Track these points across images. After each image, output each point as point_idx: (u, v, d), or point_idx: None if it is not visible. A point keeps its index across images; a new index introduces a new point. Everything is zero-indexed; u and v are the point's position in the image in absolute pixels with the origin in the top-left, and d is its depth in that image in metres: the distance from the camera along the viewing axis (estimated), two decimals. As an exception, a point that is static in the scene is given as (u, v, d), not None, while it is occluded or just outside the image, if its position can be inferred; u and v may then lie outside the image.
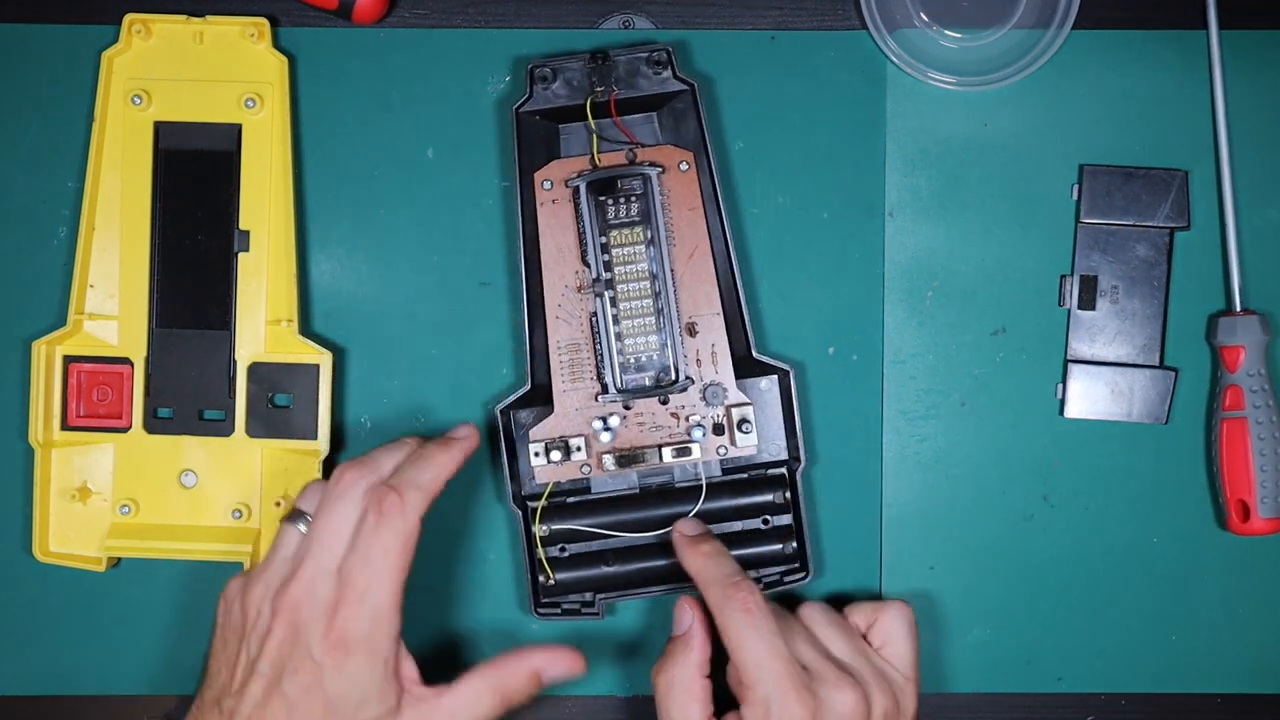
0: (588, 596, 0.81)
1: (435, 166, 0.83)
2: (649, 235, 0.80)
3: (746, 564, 0.80)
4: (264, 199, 0.81)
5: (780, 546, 0.80)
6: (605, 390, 0.80)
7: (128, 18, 0.80)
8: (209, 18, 0.81)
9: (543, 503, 0.80)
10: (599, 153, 0.81)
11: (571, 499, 0.81)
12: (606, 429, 0.80)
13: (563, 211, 0.80)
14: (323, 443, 0.81)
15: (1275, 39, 0.83)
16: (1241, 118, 0.82)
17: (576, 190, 0.80)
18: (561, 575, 0.80)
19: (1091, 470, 0.83)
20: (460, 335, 0.83)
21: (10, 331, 0.83)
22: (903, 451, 0.83)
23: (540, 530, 0.80)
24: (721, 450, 0.81)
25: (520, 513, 0.80)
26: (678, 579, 0.80)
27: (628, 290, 0.80)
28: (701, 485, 0.81)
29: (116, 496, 0.81)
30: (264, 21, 0.80)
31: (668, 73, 0.79)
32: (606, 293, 0.80)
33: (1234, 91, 0.82)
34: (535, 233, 0.80)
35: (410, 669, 0.72)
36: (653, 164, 0.80)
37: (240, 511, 0.81)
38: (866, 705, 0.72)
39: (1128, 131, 0.83)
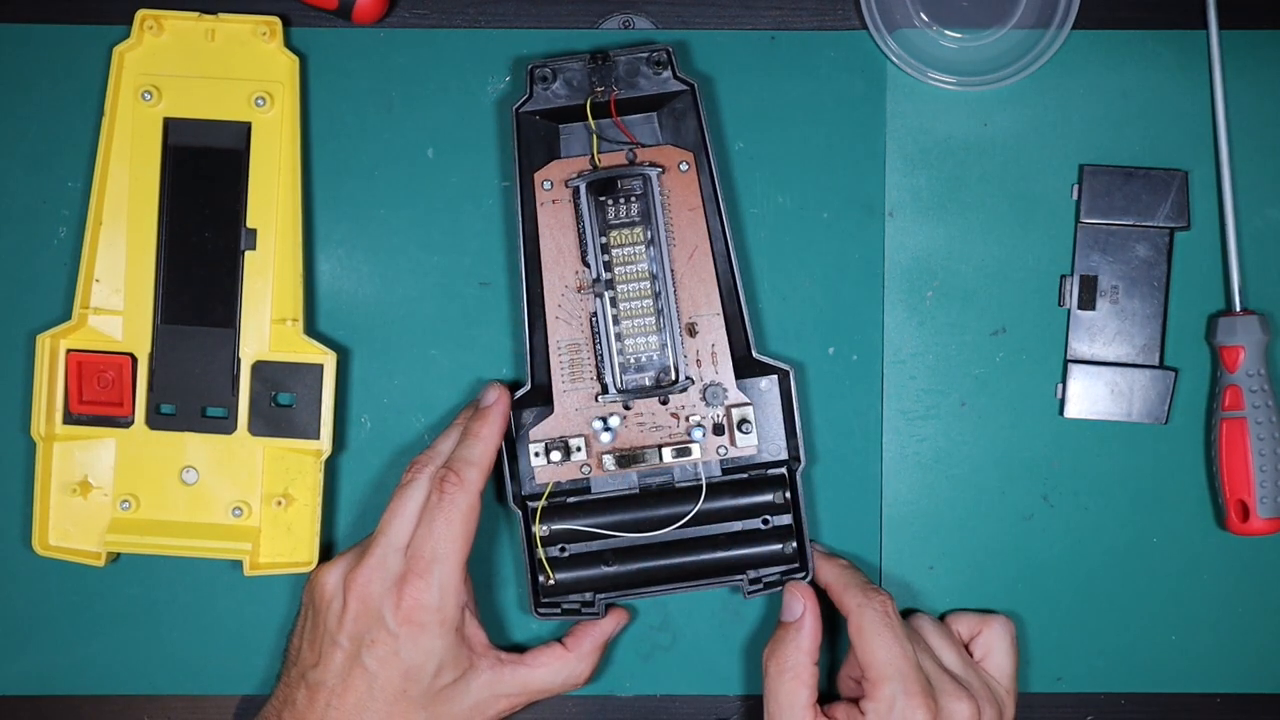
0: (588, 596, 0.81)
1: (435, 166, 0.83)
2: (649, 235, 0.80)
3: (746, 564, 0.80)
4: (272, 198, 0.81)
5: (780, 546, 0.80)
6: (605, 390, 0.80)
7: (140, 13, 0.81)
8: (221, 15, 0.81)
9: (543, 503, 0.80)
10: (599, 153, 0.81)
11: (571, 499, 0.81)
12: (606, 429, 0.80)
13: (563, 211, 0.81)
14: (325, 442, 0.81)
15: (1275, 39, 0.83)
16: (1241, 118, 0.82)
17: (576, 190, 0.80)
18: (561, 575, 0.80)
19: (1091, 470, 0.83)
20: (460, 335, 0.83)
21: (14, 325, 0.83)
22: (903, 451, 0.83)
23: (540, 530, 0.80)
24: (721, 450, 0.81)
25: (520, 513, 0.80)
26: (676, 579, 0.80)
27: (628, 290, 0.80)
28: (701, 485, 0.81)
29: (117, 491, 0.82)
30: (276, 20, 0.81)
31: (668, 73, 0.80)
32: (606, 293, 0.80)
33: (1234, 91, 0.82)
34: (535, 233, 0.80)
35: (479, 634, 0.78)
36: (653, 164, 0.80)
37: (240, 509, 0.82)
38: (986, 712, 0.75)
39: (1128, 131, 0.83)
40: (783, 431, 0.81)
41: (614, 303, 0.80)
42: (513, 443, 0.81)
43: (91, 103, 0.82)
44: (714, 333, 0.80)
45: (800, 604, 0.77)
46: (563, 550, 0.81)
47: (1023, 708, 0.83)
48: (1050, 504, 0.83)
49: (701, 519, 0.80)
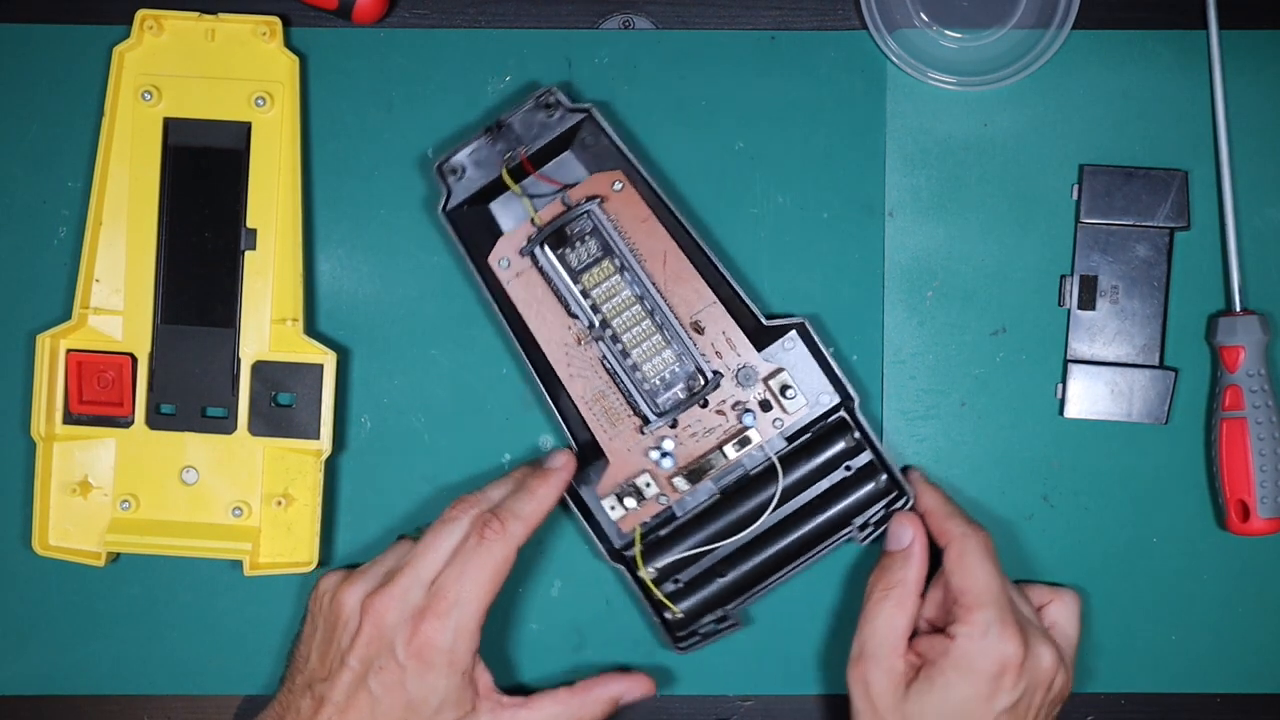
0: (718, 613, 0.81)
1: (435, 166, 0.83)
2: (618, 264, 0.80)
3: (849, 515, 0.80)
4: (272, 198, 0.81)
5: (872, 485, 0.80)
6: (647, 421, 0.80)
7: (140, 13, 0.81)
8: (221, 15, 0.81)
9: (639, 548, 0.80)
10: (536, 212, 0.80)
11: (663, 532, 0.81)
12: (664, 455, 0.80)
13: (530, 280, 0.80)
14: (325, 442, 0.81)
15: (1275, 39, 0.83)
16: (1241, 118, 0.82)
17: (533, 255, 0.80)
18: (685, 605, 0.80)
19: (1091, 470, 0.83)
20: (460, 335, 0.83)
21: (14, 325, 0.83)
22: (903, 451, 0.83)
23: (648, 573, 0.80)
24: (778, 423, 0.80)
25: (620, 566, 0.80)
26: (791, 559, 0.80)
27: (623, 322, 0.80)
28: (774, 463, 0.80)
29: (117, 491, 0.82)
30: (276, 20, 0.81)
31: (560, 110, 0.79)
32: (605, 333, 0.80)
33: (1234, 91, 0.82)
34: (515, 311, 0.80)
35: (486, 678, 0.77)
36: (589, 198, 0.80)
37: (241, 509, 0.82)
38: (1060, 670, 0.76)
39: (1128, 131, 0.83)
40: (824, 378, 0.81)
41: (615, 339, 0.80)
42: (584, 505, 0.80)
43: (91, 103, 0.82)
44: (719, 320, 0.80)
45: (909, 532, 0.78)
46: (676, 582, 0.80)
47: (1023, 708, 0.84)
48: (1050, 504, 0.83)
49: (789, 494, 0.80)
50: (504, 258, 0.80)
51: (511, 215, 0.82)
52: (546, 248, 0.80)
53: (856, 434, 0.80)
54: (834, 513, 0.80)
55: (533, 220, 0.80)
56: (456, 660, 0.75)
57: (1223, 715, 0.84)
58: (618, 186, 0.80)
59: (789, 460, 0.81)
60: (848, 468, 0.81)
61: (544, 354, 0.80)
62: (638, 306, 0.80)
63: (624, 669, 0.82)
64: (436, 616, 0.74)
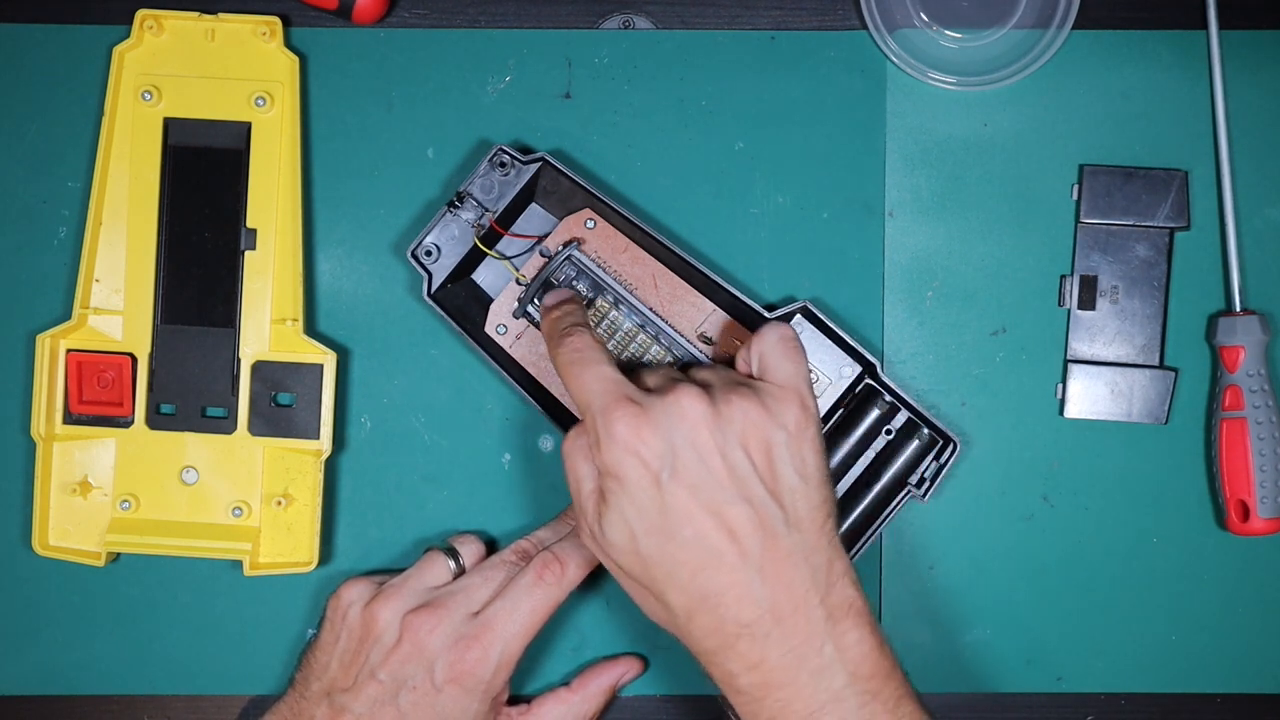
0: None
1: (435, 166, 0.83)
2: (611, 299, 0.80)
3: (901, 475, 0.80)
4: (272, 198, 0.81)
5: (917, 442, 0.80)
6: None
7: (140, 13, 0.81)
8: (221, 15, 0.81)
9: None
10: (518, 270, 0.81)
11: None
12: None
13: (532, 339, 0.81)
14: (325, 442, 0.81)
15: (1275, 39, 0.83)
16: (1241, 118, 0.82)
17: (527, 314, 0.80)
18: None
19: (1091, 470, 0.83)
20: (460, 335, 0.83)
21: (14, 325, 0.83)
22: (902, 451, 0.83)
23: None
24: None
25: None
26: (861, 532, 0.80)
27: (632, 354, 0.81)
28: None
29: (117, 491, 0.82)
30: (276, 20, 0.81)
31: (514, 165, 0.80)
32: None
33: (1234, 91, 0.82)
34: (526, 374, 0.81)
35: (503, 694, 0.78)
36: (566, 243, 0.80)
37: (240, 509, 0.82)
38: (708, 404, 0.68)
39: (1128, 131, 0.83)
40: (839, 352, 0.80)
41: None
42: None
43: (91, 103, 0.83)
44: (724, 325, 0.81)
45: None
46: None
47: (1023, 708, 0.84)
48: (1050, 504, 0.83)
49: (839, 473, 0.80)
50: (500, 324, 0.81)
51: (496, 280, 0.82)
52: (538, 303, 0.80)
53: (887, 397, 0.80)
54: (887, 479, 0.80)
55: (518, 280, 0.81)
56: (492, 687, 0.76)
57: (1222, 715, 0.84)
58: (590, 224, 0.81)
59: (829, 440, 0.81)
60: (888, 431, 0.81)
61: (564, 407, 0.81)
62: (642, 335, 0.80)
63: (611, 657, 0.83)
64: (482, 647, 0.75)
